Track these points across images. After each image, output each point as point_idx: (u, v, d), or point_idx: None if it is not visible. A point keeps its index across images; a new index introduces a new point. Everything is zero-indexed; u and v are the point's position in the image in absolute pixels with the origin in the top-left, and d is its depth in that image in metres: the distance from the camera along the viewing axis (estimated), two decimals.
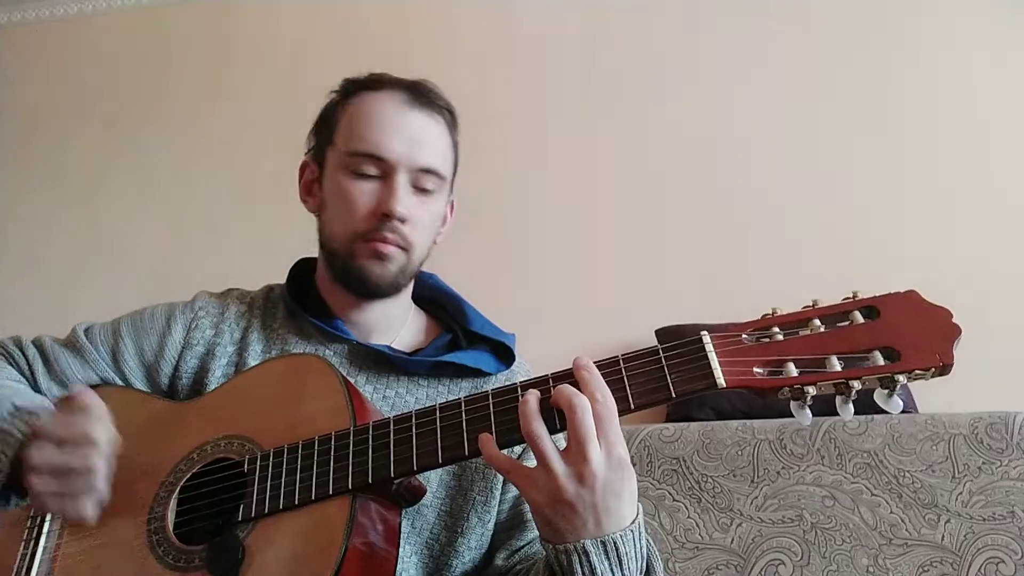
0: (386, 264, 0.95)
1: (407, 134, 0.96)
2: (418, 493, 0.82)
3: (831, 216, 2.09)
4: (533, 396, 0.70)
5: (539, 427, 0.68)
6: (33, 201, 2.69)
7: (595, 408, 0.68)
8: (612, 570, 0.68)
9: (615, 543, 0.68)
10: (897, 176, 2.10)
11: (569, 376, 0.72)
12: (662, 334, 1.97)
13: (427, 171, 0.96)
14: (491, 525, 0.96)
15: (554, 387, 0.72)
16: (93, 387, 0.95)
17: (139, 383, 0.98)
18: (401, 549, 0.88)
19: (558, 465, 0.67)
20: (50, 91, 2.87)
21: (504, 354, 1.05)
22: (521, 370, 1.07)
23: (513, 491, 0.98)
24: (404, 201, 0.94)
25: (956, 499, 1.42)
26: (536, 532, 0.93)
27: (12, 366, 0.97)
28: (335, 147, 0.99)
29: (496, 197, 2.28)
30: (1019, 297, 1.90)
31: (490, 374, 1.03)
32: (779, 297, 2.21)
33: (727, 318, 1.96)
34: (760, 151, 2.20)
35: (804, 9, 2.32)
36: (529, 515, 0.97)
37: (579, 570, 0.68)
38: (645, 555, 0.72)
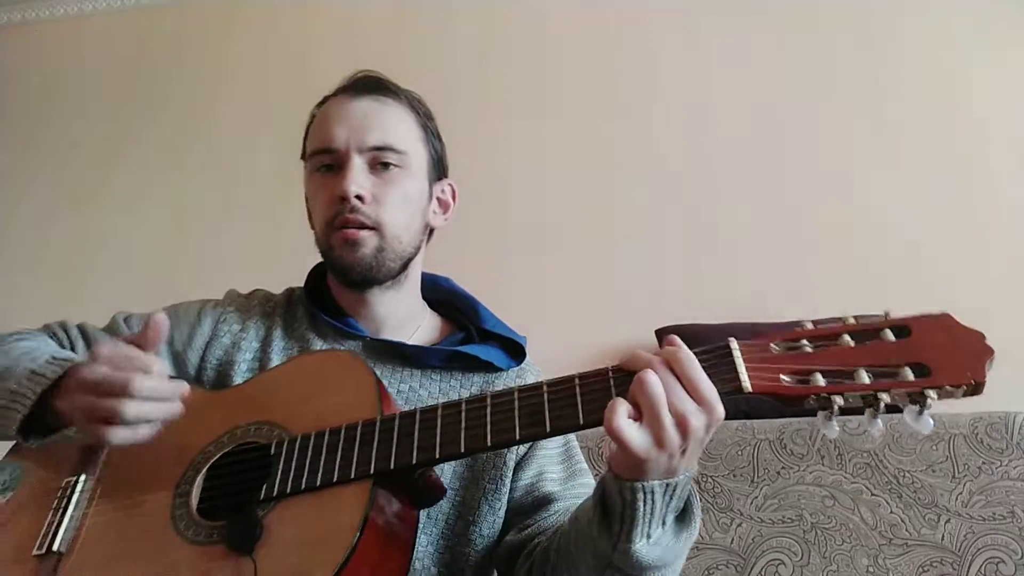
0: (358, 247, 0.98)
1: (351, 120, 1.01)
2: (438, 492, 0.84)
3: (831, 216, 2.09)
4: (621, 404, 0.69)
5: (619, 422, 0.68)
6: (33, 201, 2.69)
7: (662, 381, 0.68)
8: (666, 505, 0.73)
9: (676, 485, 0.72)
10: (897, 176, 2.09)
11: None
12: (662, 334, 1.97)
13: (380, 148, 1.00)
14: (502, 512, 0.98)
15: (613, 376, 0.73)
16: None
17: (167, 370, 1.01)
18: (418, 541, 0.90)
19: (641, 444, 0.68)
20: (50, 91, 2.87)
21: (516, 352, 1.08)
22: (531, 369, 1.10)
23: (525, 479, 1.00)
24: (357, 180, 0.98)
25: (956, 499, 1.42)
26: (550, 512, 0.97)
27: (55, 341, 1.02)
28: (305, 160, 1.07)
29: (496, 197, 2.28)
30: (1019, 297, 1.90)
31: (501, 369, 1.06)
32: (779, 296, 2.22)
33: (727, 318, 1.97)
34: (760, 151, 2.20)
35: (805, 9, 2.32)
36: (546, 498, 0.99)
37: (641, 505, 0.71)
38: (686, 494, 0.76)
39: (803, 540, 1.45)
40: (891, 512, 1.44)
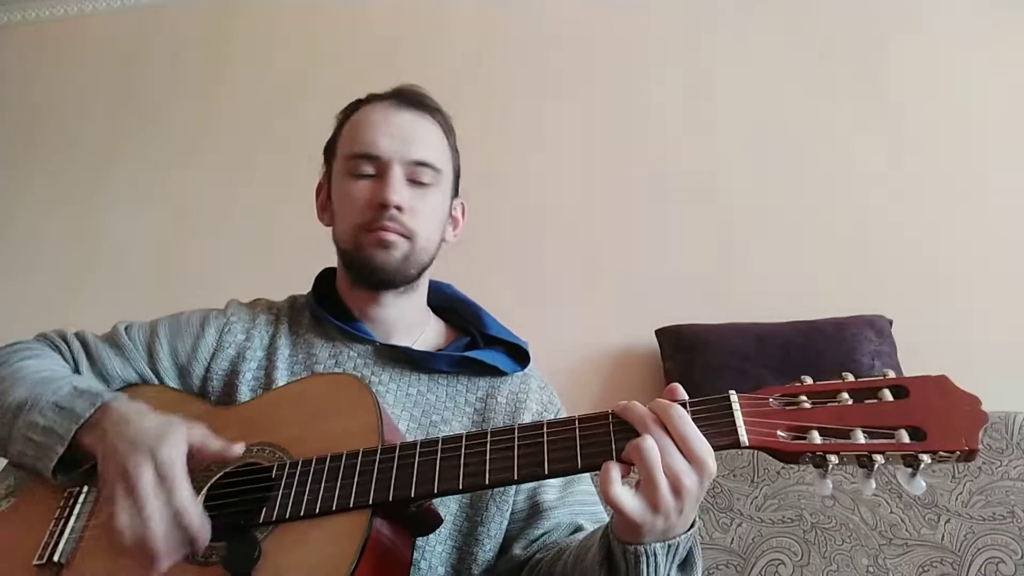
0: (390, 250, 1.01)
1: (397, 131, 1.03)
2: (434, 521, 0.84)
3: (831, 216, 2.09)
4: (615, 468, 0.71)
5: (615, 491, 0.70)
6: (33, 201, 2.69)
7: (657, 444, 0.70)
8: (670, 563, 0.75)
9: (678, 545, 0.74)
10: (897, 175, 2.10)
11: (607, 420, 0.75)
12: (662, 334, 1.97)
13: (420, 164, 1.03)
14: (508, 513, 0.99)
15: (613, 423, 0.74)
16: (142, 385, 1.02)
17: (172, 382, 1.03)
18: (425, 541, 0.92)
19: (637, 511, 0.70)
20: (50, 91, 2.87)
21: (519, 357, 1.10)
22: (535, 374, 1.12)
23: (527, 483, 1.00)
24: (399, 191, 1.00)
25: (956, 499, 1.42)
26: (552, 523, 0.98)
27: (58, 355, 1.01)
28: (336, 159, 1.07)
29: (496, 197, 2.28)
30: (1019, 297, 1.90)
31: (506, 373, 1.08)
32: (779, 297, 2.21)
33: (727, 318, 1.97)
34: (761, 151, 2.20)
35: (805, 7, 2.32)
36: (545, 506, 1.00)
37: (645, 567, 0.73)
38: (688, 546, 0.77)
39: (803, 540, 1.45)
40: (891, 512, 1.44)
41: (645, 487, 0.69)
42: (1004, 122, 2.09)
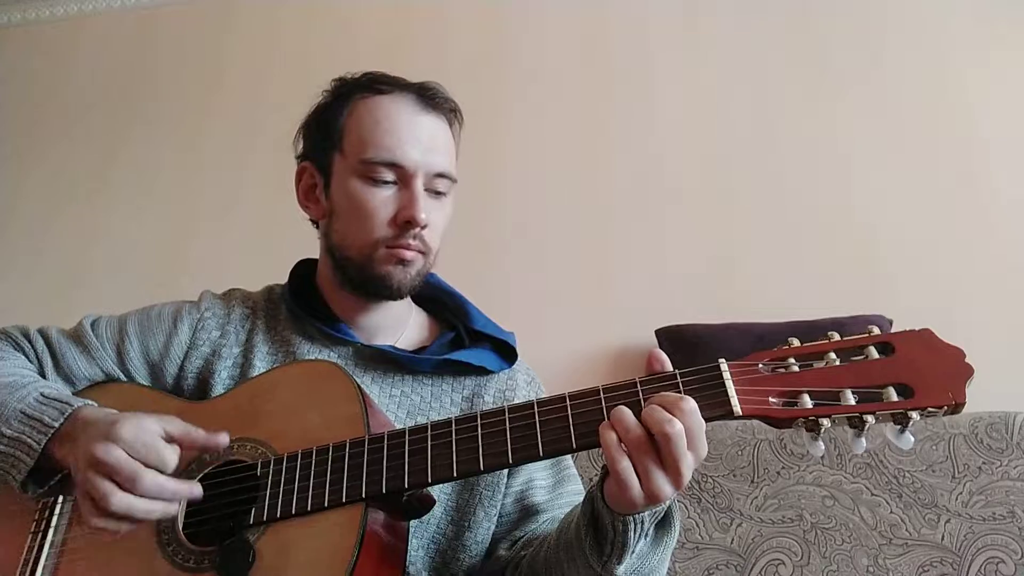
0: (407, 269, 0.97)
1: (421, 140, 0.97)
2: (427, 504, 0.83)
3: (831, 215, 2.09)
4: (612, 433, 0.71)
5: (622, 461, 0.71)
6: (33, 201, 2.69)
7: (635, 470, 0.70)
8: (652, 523, 0.76)
9: (662, 511, 0.76)
10: (897, 175, 2.10)
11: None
12: (662, 334, 1.97)
13: (441, 175, 0.98)
14: (495, 516, 0.97)
15: (605, 397, 0.74)
16: (110, 382, 0.97)
17: (143, 380, 0.99)
18: (407, 544, 0.89)
19: (636, 493, 0.71)
20: (50, 91, 2.87)
21: (506, 352, 1.07)
22: (522, 369, 1.09)
23: (516, 486, 0.99)
24: (425, 207, 0.95)
25: (956, 499, 1.42)
26: (539, 523, 0.97)
27: (21, 354, 0.97)
28: (344, 154, 0.98)
29: (495, 196, 2.28)
30: (1019, 296, 1.90)
31: (493, 372, 1.04)
32: (779, 297, 2.21)
33: (727, 318, 1.97)
34: (760, 151, 2.20)
35: (803, 8, 2.32)
36: (533, 509, 0.99)
37: (632, 535, 0.75)
38: (668, 505, 0.78)
39: (803, 540, 1.45)
40: (891, 512, 1.44)
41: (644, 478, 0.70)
42: (1005, 121, 2.09)
